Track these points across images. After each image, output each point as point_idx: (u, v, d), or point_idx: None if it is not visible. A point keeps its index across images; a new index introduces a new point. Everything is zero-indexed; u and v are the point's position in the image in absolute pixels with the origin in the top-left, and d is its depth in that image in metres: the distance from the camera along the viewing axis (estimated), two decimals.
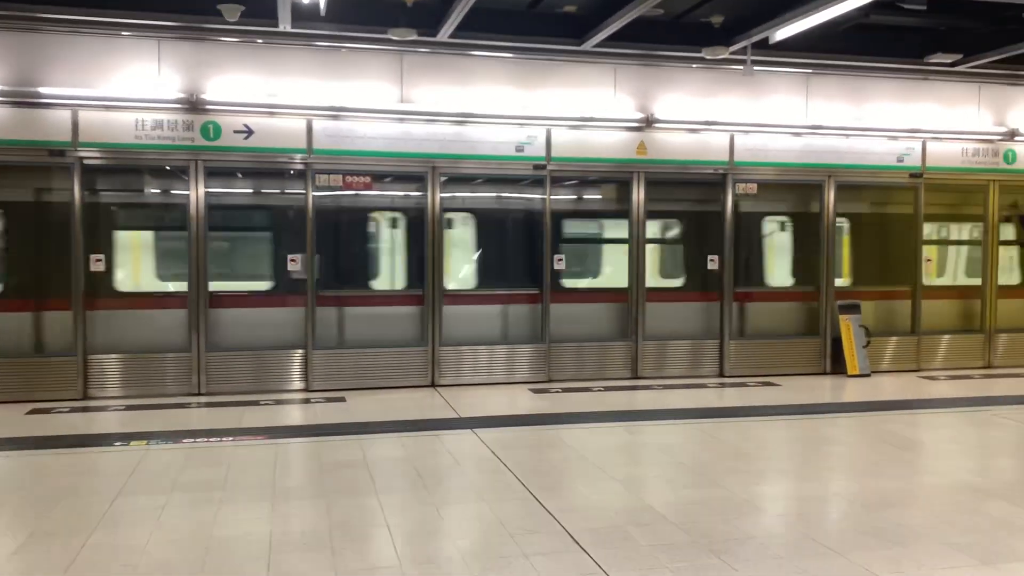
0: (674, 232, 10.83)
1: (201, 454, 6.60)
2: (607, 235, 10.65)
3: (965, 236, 11.73)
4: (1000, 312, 11.44)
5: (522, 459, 6.46)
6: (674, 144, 10.15)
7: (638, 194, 10.13)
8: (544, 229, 9.87)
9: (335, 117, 9.21)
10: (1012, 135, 11.10)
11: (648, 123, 9.95)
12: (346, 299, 9.63)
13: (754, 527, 4.91)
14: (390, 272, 10.00)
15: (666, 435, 7.41)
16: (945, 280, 11.62)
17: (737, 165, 10.35)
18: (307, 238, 9.25)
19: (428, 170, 9.53)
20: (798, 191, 10.94)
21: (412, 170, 9.54)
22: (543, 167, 9.79)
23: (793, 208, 11.13)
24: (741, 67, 9.64)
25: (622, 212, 10.26)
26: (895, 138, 10.81)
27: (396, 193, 9.96)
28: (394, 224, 10.02)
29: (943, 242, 11.92)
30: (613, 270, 10.48)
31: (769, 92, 10.45)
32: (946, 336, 11.26)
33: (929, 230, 11.31)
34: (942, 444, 7.20)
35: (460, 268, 10.16)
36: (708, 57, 9.23)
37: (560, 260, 9.97)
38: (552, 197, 9.89)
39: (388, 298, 9.78)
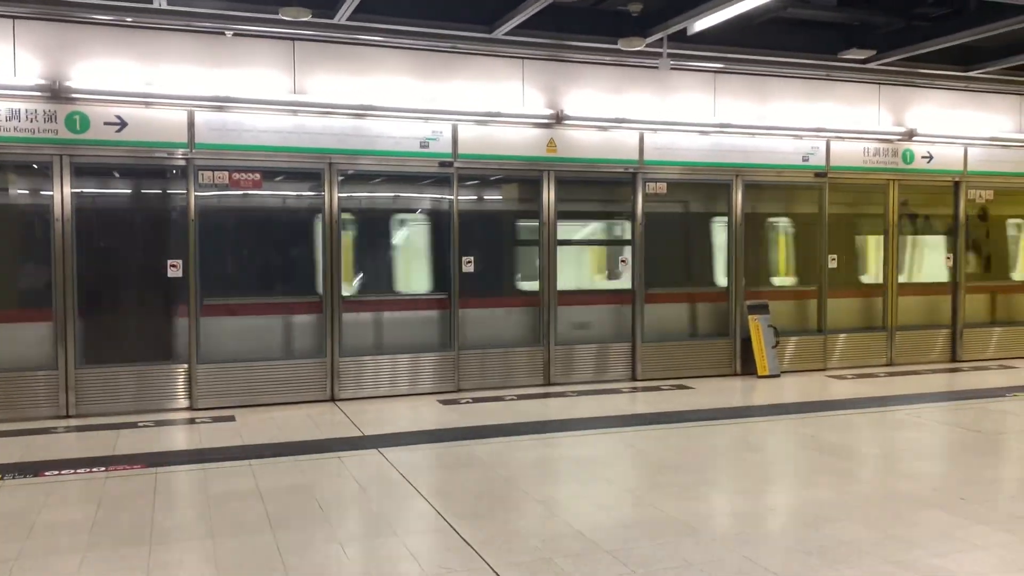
0: (585, 233, 10.46)
1: (66, 489, 5.76)
2: (517, 236, 10.17)
3: (869, 235, 11.81)
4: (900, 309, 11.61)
5: (436, 482, 5.91)
6: (584, 142, 9.79)
7: (548, 194, 9.71)
8: (452, 230, 9.32)
9: (220, 108, 8.40)
10: (910, 135, 11.25)
11: (558, 120, 9.55)
12: (235, 308, 8.82)
13: (693, 552, 4.52)
14: (285, 277, 9.25)
15: (587, 447, 6.99)
16: (849, 278, 11.65)
17: (647, 164, 10.08)
18: (190, 242, 8.41)
19: (324, 166, 8.83)
20: (706, 190, 10.76)
21: (307, 166, 8.82)
22: (450, 164, 9.24)
23: (702, 208, 10.97)
24: (652, 63, 9.37)
25: (532, 212, 9.83)
26: (800, 137, 10.78)
27: (289, 192, 9.22)
28: (288, 225, 9.27)
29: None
30: (526, 273, 10.02)
31: (677, 90, 10.22)
32: (851, 335, 11.32)
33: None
34: (866, 448, 7.05)
35: (361, 272, 9.49)
36: (624, 49, 8.86)
37: (469, 263, 9.45)
38: (460, 197, 9.36)
39: (282, 306, 9.02)
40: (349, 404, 8.71)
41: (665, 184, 10.23)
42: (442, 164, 9.21)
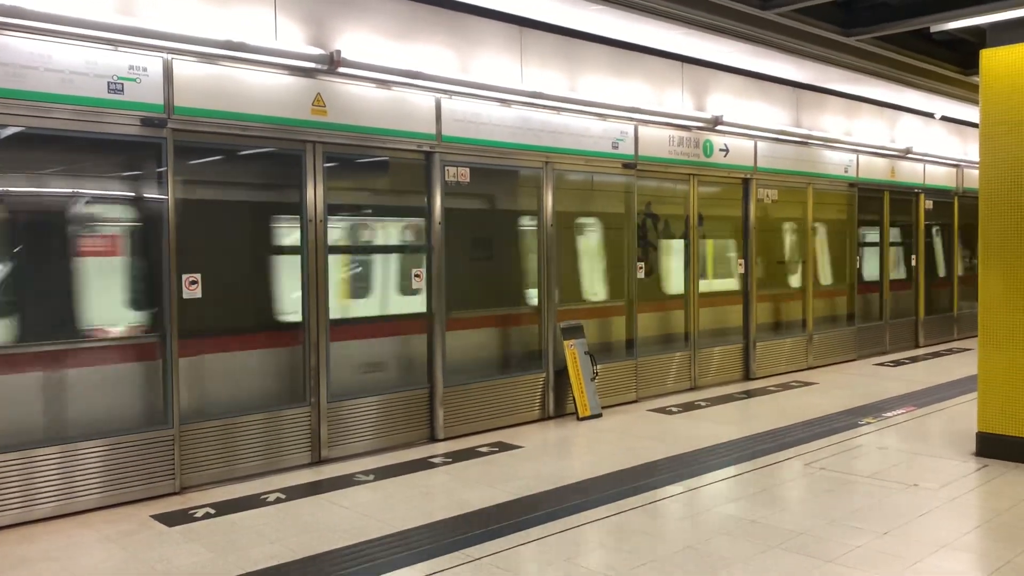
0: (364, 237, 7.41)
1: None
2: (271, 241, 6.80)
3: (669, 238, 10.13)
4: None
5: None
6: (365, 103, 6.76)
7: (315, 178, 6.52)
8: (165, 232, 5.75)
9: None
10: (716, 122, 9.76)
11: (332, 64, 6.40)
12: None
13: None
14: None
15: None
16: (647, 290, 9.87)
17: (446, 141, 7.31)
18: None
19: None
20: (513, 181, 8.28)
21: None
22: (160, 123, 5.67)
23: (507, 204, 8.46)
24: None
25: (291, 206, 6.57)
26: (606, 118, 8.71)
27: None
28: None
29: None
30: (280, 296, 6.72)
31: (480, 44, 7.60)
32: (657, 357, 9.55)
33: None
34: (824, 529, 4.96)
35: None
36: None
37: (194, 285, 5.93)
38: (178, 178, 5.82)
39: None
40: None
41: (468, 170, 7.54)
42: (147, 122, 5.61)
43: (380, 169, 7.23)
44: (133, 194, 5.98)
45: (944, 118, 13.89)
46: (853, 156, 12.17)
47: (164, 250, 5.76)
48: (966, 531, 4.99)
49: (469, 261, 8.01)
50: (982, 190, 6.59)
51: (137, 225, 5.91)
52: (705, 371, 10.13)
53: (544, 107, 8.04)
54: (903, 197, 13.49)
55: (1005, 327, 6.44)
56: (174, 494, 5.76)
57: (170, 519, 5.29)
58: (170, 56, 5.68)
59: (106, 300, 5.87)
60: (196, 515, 5.35)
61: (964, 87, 10.87)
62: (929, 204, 14.01)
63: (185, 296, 5.89)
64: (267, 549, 4.76)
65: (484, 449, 7.04)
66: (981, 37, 7.03)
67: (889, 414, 8.38)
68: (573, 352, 8.37)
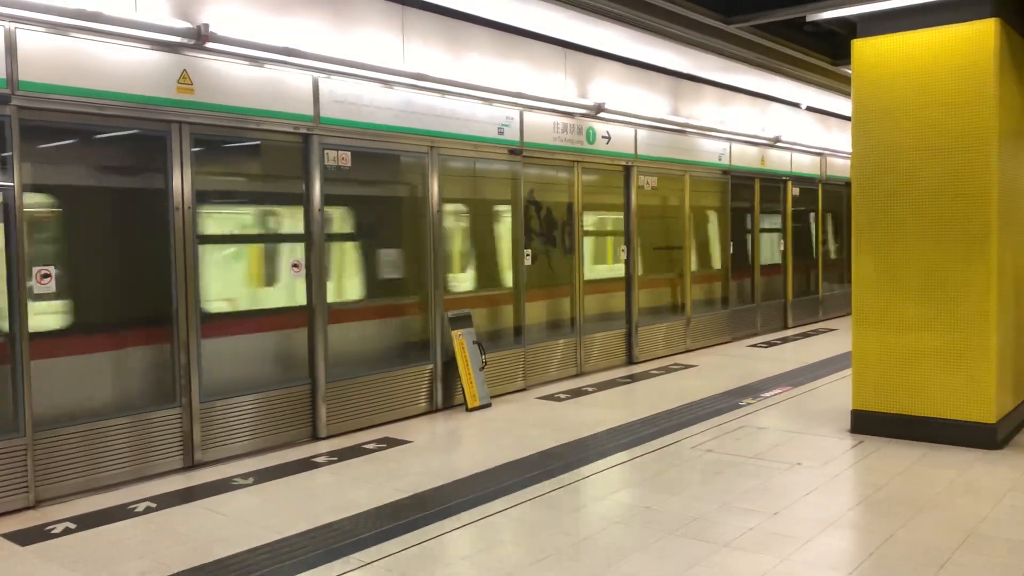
0: (236, 225, 6.95)
1: None
2: (134, 231, 6.26)
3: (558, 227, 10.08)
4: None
5: None
6: (237, 82, 6.32)
7: (182, 162, 6.05)
8: (12, 221, 5.19)
9: None
10: (598, 109, 9.76)
11: (199, 39, 5.93)
12: None
13: None
14: None
15: None
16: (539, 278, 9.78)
17: (325, 123, 6.96)
18: None
19: None
20: (397, 167, 8.00)
21: None
22: (3, 100, 5.10)
23: (388, 191, 8.16)
24: None
25: (155, 192, 6.07)
26: (492, 103, 8.56)
27: None
28: None
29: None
30: (143, 290, 6.21)
31: (360, 22, 7.27)
32: (544, 344, 9.51)
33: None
34: (717, 513, 5.01)
35: None
36: None
37: (47, 279, 5.39)
38: (26, 162, 5.25)
39: None
40: None
41: (349, 155, 7.21)
42: None
43: (255, 153, 6.80)
44: None
45: (810, 108, 14.48)
46: (727, 144, 12.50)
47: (12, 241, 5.20)
48: (850, 507, 5.15)
49: (352, 250, 7.69)
50: (854, 176, 6.83)
51: None
52: (591, 357, 10.18)
53: (428, 89, 7.80)
54: (772, 184, 14.00)
55: (877, 308, 6.71)
56: (28, 508, 5.24)
57: (24, 537, 4.79)
58: (13, 25, 5.11)
59: None
60: (54, 531, 4.87)
61: (833, 77, 11.31)
62: (796, 191, 14.61)
63: (37, 291, 5.35)
64: (137, 564, 4.37)
65: (371, 446, 6.78)
66: (850, 29, 7.26)
67: (767, 394, 8.64)
68: (461, 342, 8.20)
